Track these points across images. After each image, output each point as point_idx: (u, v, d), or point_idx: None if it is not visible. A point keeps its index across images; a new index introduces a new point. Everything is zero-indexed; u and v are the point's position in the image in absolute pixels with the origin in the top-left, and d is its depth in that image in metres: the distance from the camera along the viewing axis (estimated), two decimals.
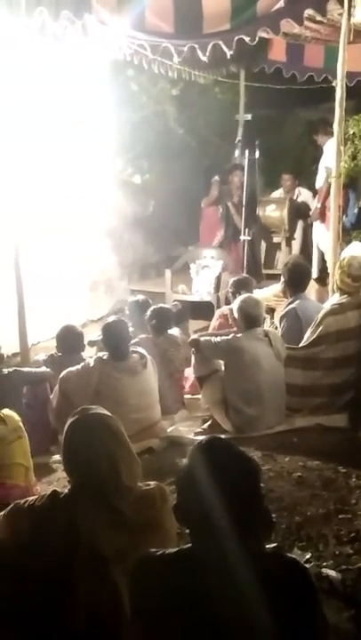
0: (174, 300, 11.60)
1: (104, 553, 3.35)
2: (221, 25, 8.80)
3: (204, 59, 9.40)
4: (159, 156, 15.24)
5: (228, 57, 9.65)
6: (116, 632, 3.25)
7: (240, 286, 9.06)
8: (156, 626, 2.84)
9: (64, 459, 3.66)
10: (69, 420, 3.62)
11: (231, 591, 2.73)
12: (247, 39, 8.96)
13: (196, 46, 9.17)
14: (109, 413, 3.71)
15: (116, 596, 3.27)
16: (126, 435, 3.69)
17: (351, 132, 10.74)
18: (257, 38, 9.18)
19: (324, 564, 4.89)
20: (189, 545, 2.94)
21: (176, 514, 3.00)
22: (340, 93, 8.96)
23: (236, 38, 9.00)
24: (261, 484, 3.02)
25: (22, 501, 3.63)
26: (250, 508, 2.85)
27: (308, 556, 4.96)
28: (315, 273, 12.12)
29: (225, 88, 15.88)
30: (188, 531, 2.98)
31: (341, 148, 9.44)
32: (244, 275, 10.81)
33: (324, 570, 4.75)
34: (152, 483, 3.72)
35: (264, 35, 9.33)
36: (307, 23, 9.33)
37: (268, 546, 3.04)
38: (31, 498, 3.64)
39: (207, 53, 9.20)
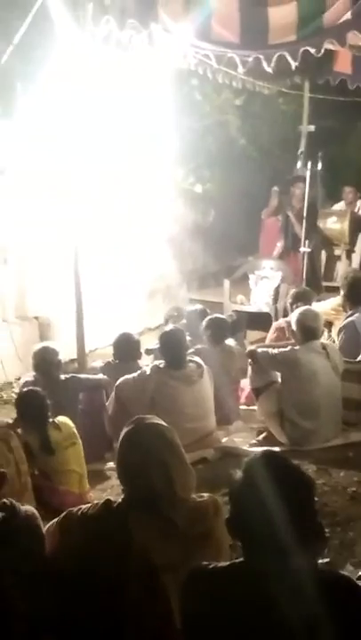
0: (232, 311, 11.58)
1: (156, 563, 3.34)
2: (287, 36, 8.81)
3: (269, 69, 9.40)
4: (221, 165, 15.25)
5: (293, 68, 9.64)
6: None
7: (299, 298, 9.03)
8: (209, 638, 2.83)
9: (118, 468, 3.65)
10: (125, 430, 3.62)
11: (283, 606, 2.71)
12: (313, 51, 8.95)
13: (262, 57, 9.18)
14: (165, 423, 3.70)
15: (166, 608, 3.25)
16: (181, 445, 3.68)
17: None
18: (323, 50, 9.17)
19: None
20: (241, 559, 2.93)
21: (229, 526, 2.99)
22: None
23: (302, 50, 8.99)
24: (315, 499, 3.00)
25: (75, 509, 3.63)
26: (303, 523, 2.82)
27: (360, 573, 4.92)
28: None
29: (289, 99, 15.86)
30: (240, 544, 2.96)
31: None
32: (304, 287, 10.77)
33: None
34: (205, 495, 3.70)
35: (330, 46, 9.31)
36: None
37: (320, 561, 3.02)
38: (84, 506, 3.64)
39: (272, 64, 9.20)
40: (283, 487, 2.84)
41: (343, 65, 13.25)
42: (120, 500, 3.56)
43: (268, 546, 2.78)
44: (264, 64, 9.36)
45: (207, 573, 2.94)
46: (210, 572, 2.94)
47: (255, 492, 2.84)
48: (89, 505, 3.63)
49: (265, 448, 4.13)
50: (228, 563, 2.99)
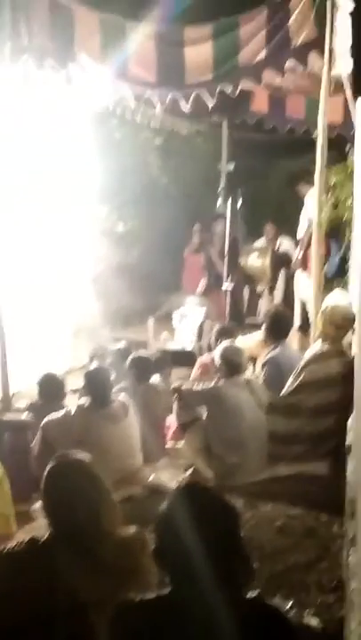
0: (156, 349, 11.60)
1: (83, 599, 3.32)
2: (204, 75, 8.92)
3: (187, 109, 9.50)
4: (144, 204, 15.33)
5: (211, 108, 9.75)
6: None
7: (223, 334, 9.09)
8: None
9: (43, 504, 3.64)
10: (49, 466, 3.61)
11: (210, 636, 2.71)
12: (229, 89, 9.08)
13: (179, 96, 9.27)
14: (88, 458, 3.69)
15: None
16: (106, 481, 3.67)
17: (333, 182, 10.78)
18: (239, 89, 9.30)
19: (306, 612, 4.87)
20: (168, 590, 2.92)
21: (155, 558, 2.98)
22: (321, 144, 9.04)
23: (219, 89, 9.11)
24: (242, 532, 3.01)
25: (1, 547, 3.60)
26: (229, 554, 2.83)
27: (289, 605, 4.93)
28: (297, 322, 12.16)
29: (208, 138, 16.02)
30: (166, 575, 2.96)
31: (323, 197, 9.50)
32: (227, 323, 10.84)
33: (305, 619, 4.72)
34: (132, 528, 3.70)
35: (247, 85, 9.44)
36: (288, 75, 9.42)
37: (250, 592, 3.02)
38: (10, 545, 3.61)
39: (190, 103, 9.30)
40: (208, 518, 2.84)
41: (260, 104, 13.40)
42: (45, 536, 3.53)
43: (195, 577, 2.78)
44: (181, 103, 9.46)
45: (134, 606, 2.93)
46: (137, 605, 2.93)
47: (180, 522, 2.85)
48: (14, 543, 3.60)
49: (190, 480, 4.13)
50: (154, 595, 2.98)
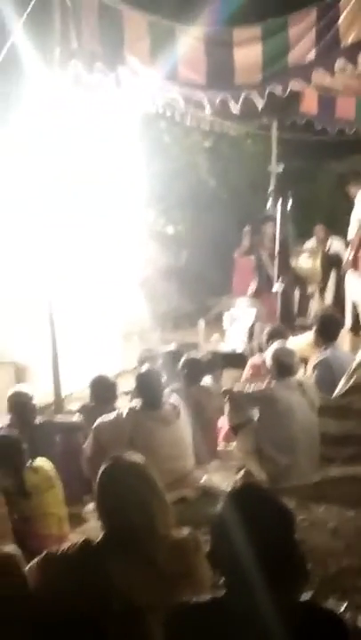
0: (207, 351, 11.60)
1: (137, 602, 3.32)
2: (253, 76, 8.91)
3: (236, 110, 9.48)
4: (192, 207, 15.36)
5: (260, 109, 9.72)
6: None
7: (274, 335, 9.06)
8: None
9: (97, 505, 3.64)
10: (103, 467, 3.61)
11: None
12: (279, 90, 9.05)
13: (229, 97, 9.26)
14: (142, 460, 3.70)
15: None
16: (160, 483, 3.67)
17: None
18: (288, 90, 9.27)
19: (360, 616, 4.83)
20: (223, 593, 2.91)
21: (210, 560, 2.97)
22: None
23: (268, 90, 9.08)
24: (296, 535, 2.99)
25: (54, 549, 3.60)
26: (284, 557, 2.82)
27: (343, 607, 4.90)
28: (348, 323, 12.09)
29: (257, 140, 16.02)
30: (221, 578, 2.95)
31: None
32: (278, 324, 10.81)
33: (359, 621, 4.69)
34: (185, 530, 3.69)
35: (296, 86, 9.41)
36: (338, 75, 9.38)
37: (304, 595, 3.00)
38: (63, 546, 3.61)
39: (239, 105, 9.29)
40: (262, 520, 2.83)
41: (310, 105, 13.38)
42: (99, 539, 3.53)
43: (249, 580, 2.76)
44: (231, 104, 9.45)
45: (189, 609, 2.92)
46: (191, 608, 2.92)
47: (236, 525, 2.83)
48: (68, 545, 3.61)
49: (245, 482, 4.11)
50: (209, 597, 2.97)
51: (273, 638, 2.70)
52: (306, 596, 3.04)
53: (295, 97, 12.42)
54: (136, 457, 3.74)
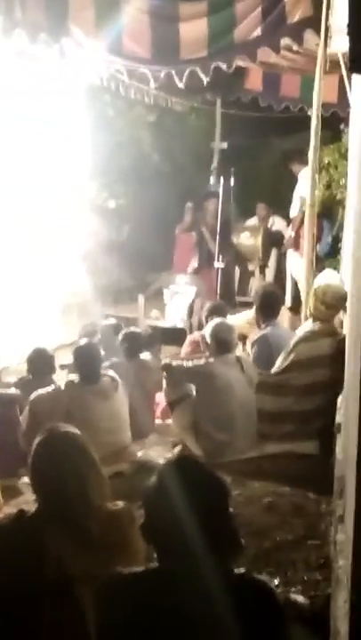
0: (147, 326, 11.60)
1: (71, 573, 3.31)
2: (198, 51, 8.85)
3: (181, 85, 9.45)
4: (134, 181, 15.29)
5: (205, 84, 9.70)
6: None
7: (214, 312, 9.07)
8: None
9: (31, 476, 3.62)
10: (38, 438, 3.59)
11: (198, 609, 2.71)
12: (224, 66, 9.05)
13: (173, 72, 9.22)
14: (78, 431, 3.68)
15: (81, 617, 3.22)
16: (95, 455, 3.66)
17: (326, 162, 10.77)
18: (233, 66, 9.25)
19: (293, 589, 4.87)
20: (157, 564, 2.91)
21: (143, 531, 2.96)
22: (315, 123, 9.00)
23: (213, 65, 9.05)
24: (230, 508, 2.99)
25: None
26: (217, 528, 2.82)
27: (276, 582, 4.94)
28: (288, 301, 12.14)
29: (201, 115, 15.99)
30: (154, 549, 2.94)
31: (316, 176, 9.47)
32: (219, 300, 10.84)
33: (292, 595, 4.72)
34: (120, 503, 3.68)
35: (241, 63, 9.39)
36: (284, 52, 9.36)
37: (236, 570, 3.01)
38: None
39: (184, 80, 9.25)
40: (196, 491, 2.83)
41: (254, 82, 13.40)
42: (34, 510, 3.51)
43: (182, 550, 2.76)
44: (176, 79, 9.41)
45: (122, 579, 2.92)
46: (125, 578, 2.91)
47: (168, 496, 2.83)
48: (1, 516, 3.59)
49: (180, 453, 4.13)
50: (142, 568, 2.97)
51: (206, 608, 2.71)
52: (239, 570, 3.05)
53: (240, 73, 12.41)
54: (71, 428, 3.72)
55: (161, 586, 2.82)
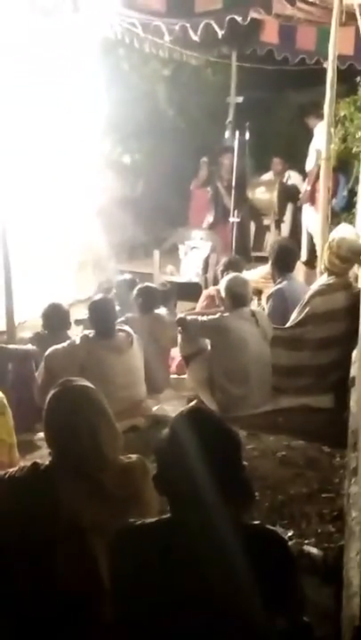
0: (164, 280, 11.60)
1: (83, 524, 3.33)
2: (213, 4, 8.80)
3: (196, 38, 9.39)
4: (149, 136, 15.20)
5: (220, 37, 9.64)
6: (93, 603, 3.24)
7: (229, 266, 9.05)
8: (138, 595, 2.83)
9: (45, 429, 3.63)
10: (52, 391, 3.60)
11: (210, 559, 2.73)
12: (239, 19, 8.96)
13: (188, 25, 9.17)
14: (92, 385, 3.70)
15: (94, 568, 3.25)
16: (109, 409, 3.67)
17: (342, 115, 10.70)
18: (249, 18, 9.18)
19: (306, 541, 4.91)
20: (169, 514, 2.93)
21: (155, 482, 2.98)
22: (330, 75, 8.95)
23: (228, 18, 8.99)
24: (243, 460, 3.00)
25: (2, 472, 3.60)
26: (230, 478, 2.83)
27: (290, 534, 4.97)
28: (304, 255, 12.12)
29: (217, 69, 15.87)
30: (168, 501, 2.97)
31: (332, 130, 9.43)
32: (235, 255, 10.82)
33: (305, 547, 4.76)
34: (133, 456, 3.70)
35: (256, 15, 9.32)
36: (299, 4, 9.31)
37: (249, 521, 3.03)
38: (11, 469, 3.61)
39: (199, 33, 9.19)
40: (208, 441, 2.84)
41: (270, 35, 13.30)
42: (47, 462, 3.54)
43: (194, 500, 2.78)
44: (191, 32, 9.35)
45: (135, 529, 2.94)
46: (137, 528, 2.94)
47: (180, 446, 2.84)
48: (16, 468, 3.61)
49: (192, 405, 4.15)
50: (154, 519, 2.99)
51: (219, 557, 2.73)
52: (252, 521, 3.07)
53: (255, 26, 12.33)
54: (85, 382, 3.73)
55: (173, 536, 2.84)
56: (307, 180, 12.63)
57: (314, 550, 4.72)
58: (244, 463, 2.99)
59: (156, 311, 8.66)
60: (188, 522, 2.81)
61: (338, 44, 9.06)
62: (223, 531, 2.76)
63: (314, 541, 4.92)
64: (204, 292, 9.99)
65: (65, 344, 7.44)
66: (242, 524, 2.89)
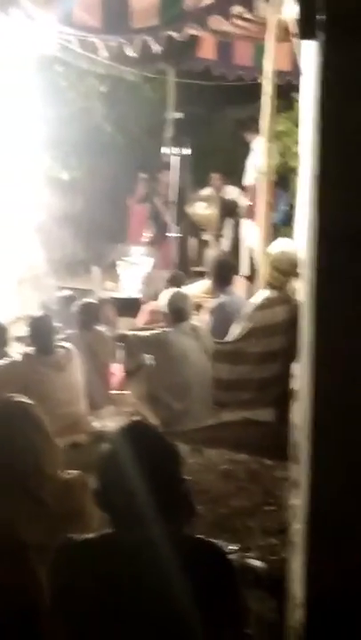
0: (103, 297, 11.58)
1: (23, 540, 3.30)
2: (150, 20, 8.82)
3: (133, 54, 9.40)
4: (88, 153, 15.17)
5: (157, 53, 9.67)
6: (34, 621, 3.20)
7: (172, 282, 9.08)
8: (78, 610, 2.81)
9: None
10: None
11: (152, 574, 2.72)
12: (175, 35, 8.99)
13: (125, 41, 9.17)
14: (30, 401, 3.68)
15: (35, 584, 3.22)
16: (50, 428, 3.66)
17: (280, 130, 10.80)
18: (185, 35, 9.21)
19: (250, 554, 4.91)
20: (110, 530, 2.91)
21: (96, 498, 2.96)
22: (267, 91, 9.01)
23: (165, 34, 9.02)
24: (184, 474, 3.00)
25: None
26: (170, 492, 2.83)
27: (233, 548, 4.97)
28: (244, 270, 12.17)
29: (155, 86, 15.89)
30: (108, 516, 2.95)
31: (270, 145, 9.48)
32: (176, 271, 10.85)
33: (249, 560, 4.76)
34: (74, 471, 3.68)
35: (193, 31, 9.35)
36: (235, 21, 9.35)
37: (189, 534, 3.03)
38: None
39: (135, 49, 9.21)
40: (148, 456, 2.83)
41: (207, 51, 13.34)
42: None
43: (134, 515, 2.77)
44: (127, 49, 9.35)
45: (76, 545, 2.91)
46: (77, 544, 2.91)
47: (120, 461, 2.83)
48: None
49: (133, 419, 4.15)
50: (96, 534, 2.96)
51: (160, 571, 2.72)
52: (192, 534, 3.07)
53: (193, 42, 12.37)
54: (24, 399, 3.71)
55: (113, 551, 2.82)
56: (246, 194, 12.70)
57: (257, 563, 4.72)
58: (185, 477, 2.98)
59: (96, 327, 8.64)
60: (128, 537, 2.79)
61: (275, 59, 9.12)
62: (163, 545, 2.74)
63: (257, 554, 4.92)
64: (145, 308, 9.98)
65: (5, 361, 7.40)
66: (182, 537, 2.88)
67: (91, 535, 2.96)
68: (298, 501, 4.49)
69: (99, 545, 2.87)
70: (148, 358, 7.81)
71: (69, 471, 3.68)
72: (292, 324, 7.23)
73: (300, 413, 5.48)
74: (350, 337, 2.86)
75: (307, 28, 2.85)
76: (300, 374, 6.33)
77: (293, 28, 8.12)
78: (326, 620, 2.99)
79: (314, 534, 3.03)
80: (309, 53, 5.83)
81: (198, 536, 3.00)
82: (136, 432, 2.96)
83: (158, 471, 2.81)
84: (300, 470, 4.73)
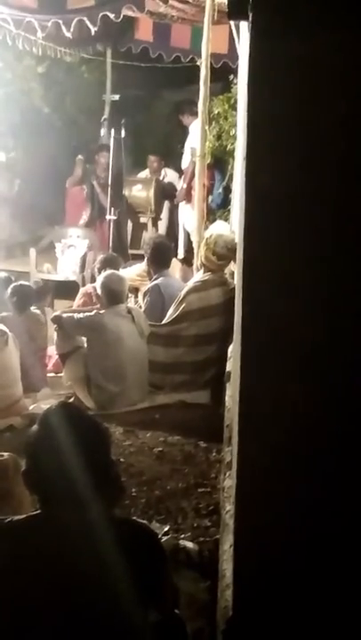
0: (39, 278, 11.53)
1: None
2: (85, 1, 8.76)
3: (69, 35, 9.34)
4: (25, 134, 15.04)
5: (93, 34, 9.62)
6: None
7: (107, 264, 9.05)
8: (8, 590, 2.80)
9: None
10: None
11: (80, 554, 2.72)
12: (112, 16, 8.95)
13: (61, 22, 9.11)
14: None
15: None
16: None
17: (216, 112, 10.80)
18: (122, 16, 9.17)
19: (183, 536, 4.93)
20: (39, 511, 2.91)
21: (25, 479, 2.95)
22: (204, 73, 9.01)
23: (101, 15, 8.96)
24: (113, 455, 3.01)
25: None
26: (99, 473, 2.83)
27: (166, 529, 4.99)
28: (181, 253, 12.19)
29: (92, 67, 15.78)
30: (37, 497, 2.94)
31: (206, 128, 9.49)
32: (111, 253, 10.83)
33: (181, 542, 4.78)
34: (5, 454, 3.67)
35: (129, 12, 9.32)
36: (172, 2, 9.34)
37: (118, 515, 3.04)
38: None
39: (71, 30, 9.14)
40: (76, 437, 2.83)
41: (145, 33, 13.29)
42: None
43: (62, 495, 2.78)
44: (63, 29, 9.29)
45: (3, 527, 2.91)
46: (5, 526, 2.90)
47: (48, 441, 2.82)
48: None
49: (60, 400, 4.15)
50: (24, 515, 2.96)
51: (89, 552, 2.72)
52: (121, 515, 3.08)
53: (130, 23, 12.34)
54: None
55: (42, 532, 2.82)
56: (183, 177, 12.71)
57: (190, 544, 4.74)
58: (114, 458, 2.99)
59: (32, 309, 8.60)
60: (57, 518, 2.80)
61: (211, 42, 9.12)
62: (92, 526, 2.75)
63: (190, 536, 4.94)
64: (81, 290, 9.95)
65: None
66: (111, 518, 2.88)
67: (19, 517, 2.96)
68: (230, 482, 4.52)
69: (27, 526, 2.87)
70: (84, 341, 7.80)
71: (1, 453, 3.67)
72: (227, 306, 7.27)
73: (233, 395, 5.52)
74: (279, 318, 2.87)
75: (237, 8, 2.85)
76: (234, 357, 6.37)
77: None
78: (253, 601, 3.01)
79: (242, 514, 3.04)
80: (244, 36, 5.86)
81: (127, 517, 3.02)
82: (64, 413, 2.96)
83: (86, 452, 2.80)
84: (232, 452, 4.76)
